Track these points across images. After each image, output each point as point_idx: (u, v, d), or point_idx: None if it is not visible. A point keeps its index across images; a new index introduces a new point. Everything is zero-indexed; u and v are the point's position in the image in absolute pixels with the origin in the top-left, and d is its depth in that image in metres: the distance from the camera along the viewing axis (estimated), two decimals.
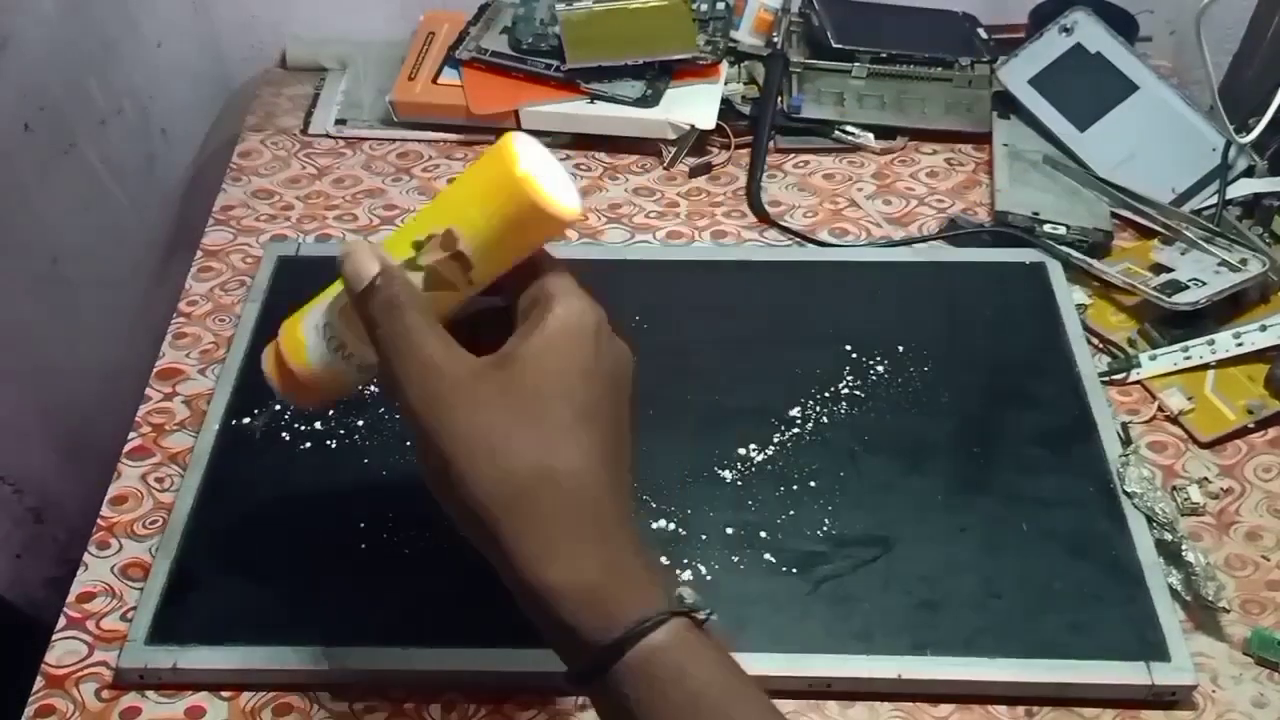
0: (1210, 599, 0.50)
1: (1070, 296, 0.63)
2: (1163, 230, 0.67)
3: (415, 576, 0.51)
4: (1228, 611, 0.50)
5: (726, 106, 0.74)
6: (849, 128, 0.74)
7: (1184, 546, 0.51)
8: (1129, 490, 0.53)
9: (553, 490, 0.35)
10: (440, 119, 0.74)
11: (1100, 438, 0.56)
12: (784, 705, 0.48)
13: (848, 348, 0.60)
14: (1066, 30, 0.73)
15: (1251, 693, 0.49)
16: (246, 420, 0.55)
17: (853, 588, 0.50)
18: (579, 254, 0.66)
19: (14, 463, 0.67)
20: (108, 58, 0.71)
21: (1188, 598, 0.51)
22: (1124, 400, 0.60)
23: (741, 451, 0.56)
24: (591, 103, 0.72)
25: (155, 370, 0.61)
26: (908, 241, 0.68)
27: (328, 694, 0.49)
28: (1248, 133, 0.68)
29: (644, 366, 0.58)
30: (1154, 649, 0.48)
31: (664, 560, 0.51)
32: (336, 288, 0.41)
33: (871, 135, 0.74)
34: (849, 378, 0.59)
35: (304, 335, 0.42)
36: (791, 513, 0.53)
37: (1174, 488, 0.55)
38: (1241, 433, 0.58)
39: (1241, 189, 0.68)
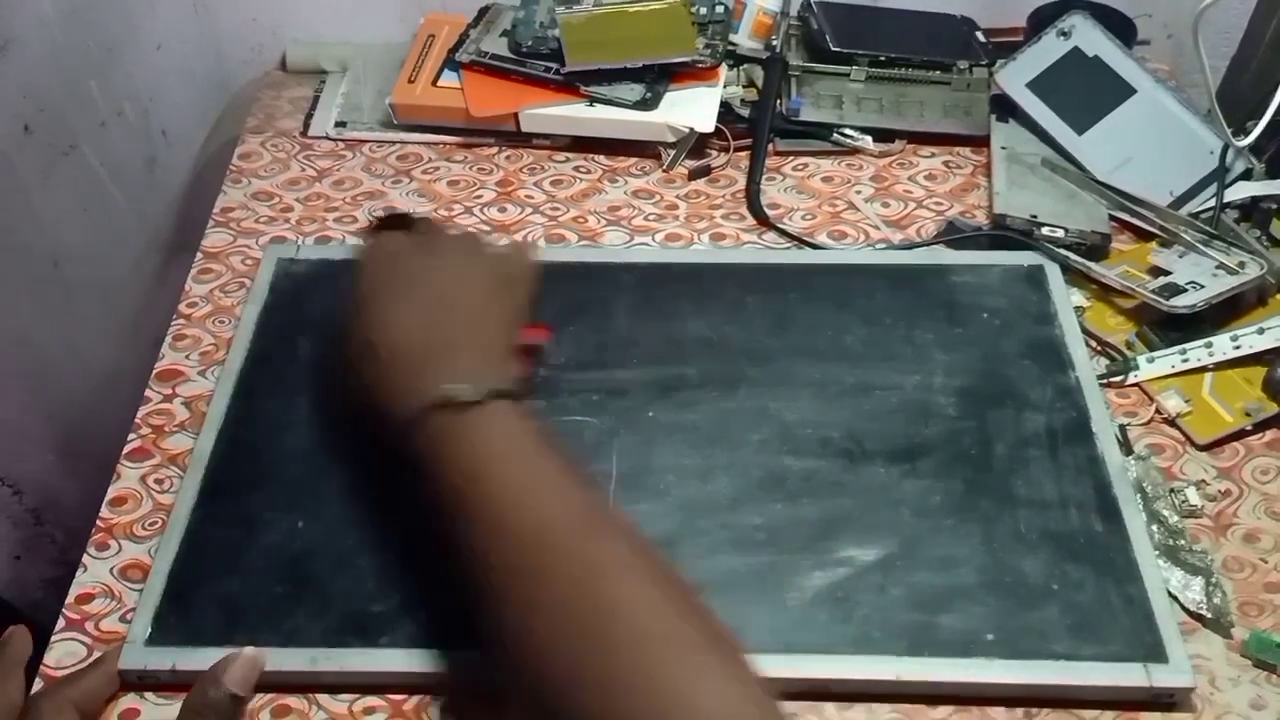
0: (1217, 607, 0.50)
1: (1068, 299, 0.63)
2: (1161, 233, 0.67)
3: (415, 578, 0.51)
4: (1233, 626, 0.50)
5: (725, 109, 0.75)
6: (848, 130, 0.74)
7: (1193, 557, 0.51)
8: (1143, 489, 0.54)
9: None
10: (440, 121, 0.75)
11: (1098, 440, 0.56)
12: (782, 707, 0.48)
13: (846, 350, 0.60)
14: (1064, 34, 0.73)
15: (1249, 695, 0.49)
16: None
17: (851, 589, 0.51)
18: (579, 257, 0.66)
19: (14, 463, 0.68)
20: (108, 60, 0.71)
21: (1190, 607, 0.51)
22: (1122, 403, 0.60)
23: (740, 454, 0.56)
24: (591, 105, 0.72)
25: (155, 372, 0.61)
26: (907, 245, 0.68)
27: (327, 695, 0.49)
28: (1245, 136, 0.68)
29: (642, 369, 0.59)
30: (1152, 651, 0.48)
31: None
32: None
33: (870, 138, 0.74)
34: (847, 380, 0.59)
35: None
36: (789, 514, 0.53)
37: (1172, 490, 0.55)
38: (1239, 435, 0.58)
39: (1239, 192, 0.68)
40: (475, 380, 0.47)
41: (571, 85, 0.72)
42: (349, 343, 0.52)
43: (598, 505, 0.46)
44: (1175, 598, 0.51)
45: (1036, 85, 0.73)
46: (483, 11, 0.78)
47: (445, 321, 0.51)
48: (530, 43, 0.73)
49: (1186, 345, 0.61)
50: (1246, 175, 0.69)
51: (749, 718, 0.38)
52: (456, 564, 0.44)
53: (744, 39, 0.77)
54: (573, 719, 0.39)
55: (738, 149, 0.74)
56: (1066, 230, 0.66)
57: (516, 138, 0.75)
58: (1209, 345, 0.60)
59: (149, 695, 0.49)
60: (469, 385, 0.47)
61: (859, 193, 0.72)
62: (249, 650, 0.48)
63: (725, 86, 0.75)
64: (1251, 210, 0.68)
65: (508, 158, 0.74)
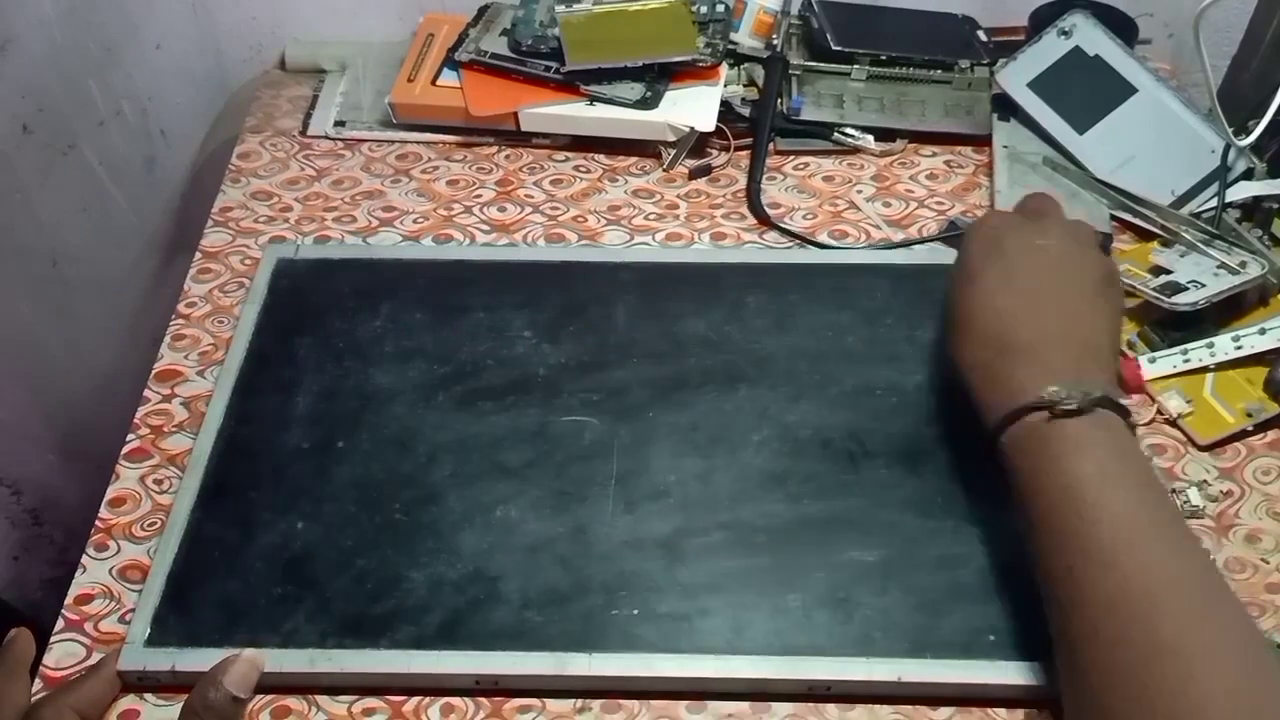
0: None
1: None
2: (1162, 233, 0.67)
3: (415, 578, 0.51)
4: None
5: (726, 109, 0.74)
6: (849, 130, 0.74)
7: None
8: None
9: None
10: (439, 120, 0.74)
11: None
12: (783, 708, 0.48)
13: (847, 350, 0.60)
14: (1065, 33, 0.73)
15: None
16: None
17: (852, 591, 0.50)
18: (579, 256, 0.66)
19: (12, 464, 0.67)
20: (107, 59, 0.71)
21: None
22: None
23: (740, 454, 0.56)
24: (591, 105, 0.72)
25: (154, 372, 0.61)
26: (908, 244, 0.68)
27: (326, 696, 0.49)
28: (1247, 135, 0.68)
29: (642, 369, 0.59)
30: None
31: None
32: None
33: (871, 137, 0.74)
34: (848, 380, 0.59)
35: None
36: (790, 515, 0.53)
37: (1173, 490, 0.55)
38: (1240, 436, 0.58)
39: (1241, 191, 0.68)
40: (1079, 385, 0.44)
41: (571, 84, 0.72)
42: (951, 322, 0.52)
43: (1211, 569, 0.44)
44: None
45: (1037, 84, 0.73)
46: (482, 10, 0.78)
47: (1049, 314, 0.48)
48: (530, 42, 0.73)
49: (1188, 345, 0.60)
50: (1248, 174, 0.68)
51: None
52: (1042, 569, 0.44)
53: (745, 38, 0.77)
54: None
55: (738, 148, 0.74)
56: None
57: (516, 137, 0.75)
58: (1210, 345, 0.60)
59: (149, 696, 0.49)
60: (1074, 389, 0.44)
61: (860, 192, 0.72)
62: (248, 651, 0.48)
63: (726, 85, 0.75)
64: (1253, 210, 0.67)
65: (507, 157, 0.74)
